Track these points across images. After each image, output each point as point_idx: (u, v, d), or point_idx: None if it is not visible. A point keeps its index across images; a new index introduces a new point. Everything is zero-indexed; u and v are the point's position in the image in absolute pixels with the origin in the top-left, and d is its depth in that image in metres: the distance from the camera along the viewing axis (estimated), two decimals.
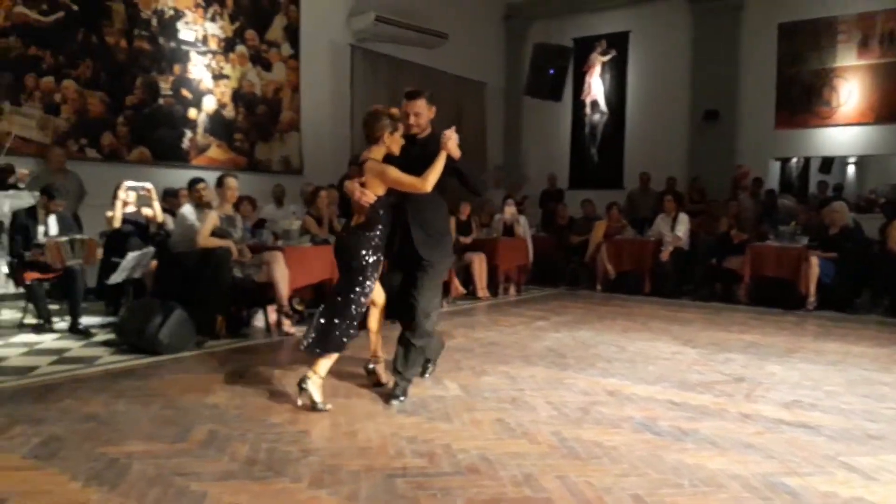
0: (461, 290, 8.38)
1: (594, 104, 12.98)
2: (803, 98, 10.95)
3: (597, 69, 12.88)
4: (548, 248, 10.11)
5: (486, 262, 8.65)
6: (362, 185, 3.84)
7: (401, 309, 4.10)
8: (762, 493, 2.79)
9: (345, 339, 3.82)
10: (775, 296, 8.00)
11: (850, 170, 14.18)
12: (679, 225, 9.06)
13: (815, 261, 7.69)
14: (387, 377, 4.28)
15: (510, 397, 4.12)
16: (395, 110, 3.97)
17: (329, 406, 3.80)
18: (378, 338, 4.38)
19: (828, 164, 13.01)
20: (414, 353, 4.03)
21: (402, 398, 3.99)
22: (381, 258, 3.95)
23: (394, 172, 3.83)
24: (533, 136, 13.72)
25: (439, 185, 3.90)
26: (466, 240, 8.79)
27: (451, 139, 3.88)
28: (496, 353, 5.40)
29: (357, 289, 3.84)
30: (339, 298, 3.86)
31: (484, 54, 13.13)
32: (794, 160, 12.53)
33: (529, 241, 9.49)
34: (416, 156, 3.95)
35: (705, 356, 5.38)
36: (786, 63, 11.06)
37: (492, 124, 13.48)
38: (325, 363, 3.84)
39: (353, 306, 3.83)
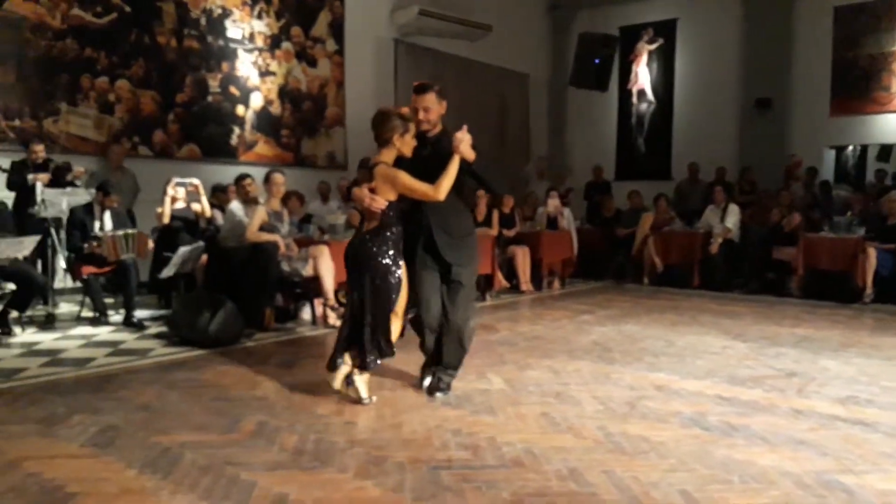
0: (504, 283, 8.36)
1: (641, 93, 12.77)
2: (860, 83, 10.58)
3: (644, 58, 12.66)
4: (593, 241, 10.00)
5: (529, 255, 8.61)
6: (372, 190, 3.67)
7: (427, 318, 3.93)
8: (816, 491, 2.71)
9: (391, 341, 3.80)
10: (830, 289, 7.77)
11: None
12: (729, 216, 8.86)
13: (872, 252, 7.45)
14: (367, 390, 3.92)
15: (555, 391, 4.10)
16: (405, 110, 3.78)
17: (374, 398, 3.84)
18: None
19: (886, 151, 12.51)
20: (454, 346, 3.99)
21: (446, 392, 3.98)
22: (401, 260, 3.79)
23: (405, 179, 3.63)
24: (578, 128, 13.57)
25: (456, 185, 3.72)
26: (510, 233, 8.76)
27: (464, 141, 3.63)
28: (540, 347, 5.37)
29: (384, 295, 3.71)
30: (371, 315, 3.71)
31: (528, 45, 13.03)
32: (850, 148, 12.11)
33: (574, 233, 9.40)
34: (427, 156, 3.77)
35: (756, 350, 5.26)
36: (841, 48, 10.70)
37: (536, 116, 13.38)
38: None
39: (387, 307, 3.73)
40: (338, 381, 3.86)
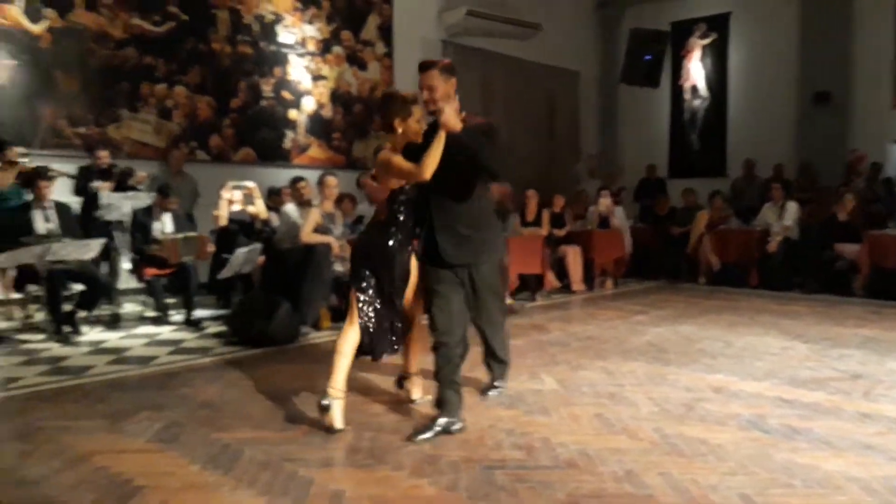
0: (555, 283, 8.31)
1: (694, 89, 12.52)
2: None
3: (696, 53, 12.40)
4: (647, 240, 9.85)
5: (581, 254, 8.54)
6: (374, 178, 3.53)
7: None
8: (885, 498, 2.62)
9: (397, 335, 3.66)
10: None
11: None
12: (787, 213, 8.62)
13: None
14: (420, 392, 3.90)
15: (609, 392, 4.06)
16: (409, 93, 3.49)
17: (427, 397, 3.83)
18: (414, 350, 3.88)
19: None
20: (499, 338, 3.91)
21: (501, 387, 3.98)
22: (410, 249, 3.56)
23: (395, 161, 3.32)
24: (629, 125, 13.38)
25: (460, 171, 3.31)
26: (560, 232, 8.71)
27: (444, 112, 3.17)
28: (593, 347, 5.32)
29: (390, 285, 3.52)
30: (380, 301, 3.53)
31: (577, 43, 12.91)
32: None
33: (627, 232, 9.28)
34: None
35: (818, 352, 5.11)
36: None
37: (586, 114, 13.25)
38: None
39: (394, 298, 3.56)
40: (414, 391, 3.89)
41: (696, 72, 12.44)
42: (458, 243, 3.37)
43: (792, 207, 8.67)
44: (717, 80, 12.22)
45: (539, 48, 11.73)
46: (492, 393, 3.98)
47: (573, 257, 8.48)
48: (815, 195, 9.80)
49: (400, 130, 3.40)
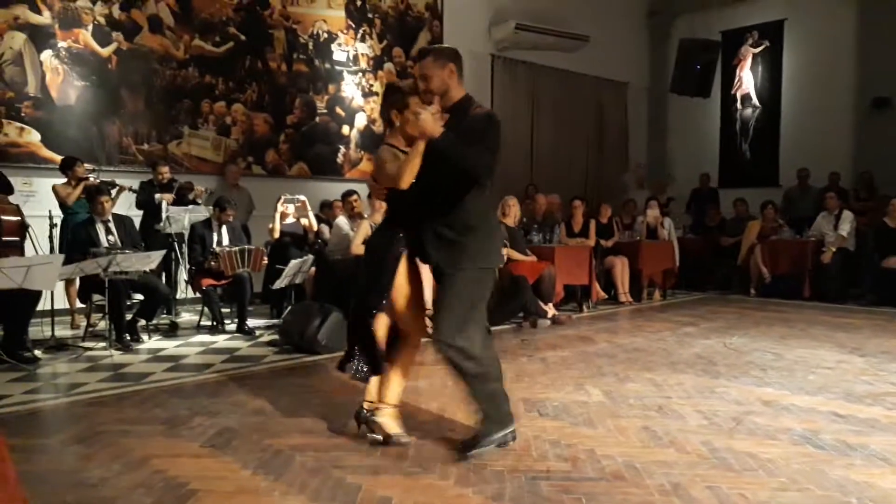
0: (602, 294, 8.26)
1: (745, 98, 12.29)
2: None
3: (748, 62, 12.19)
4: (697, 251, 9.71)
5: (628, 265, 8.47)
6: (374, 178, 3.34)
7: None
8: None
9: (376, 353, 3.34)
10: None
11: None
12: (843, 224, 8.40)
13: None
14: (394, 427, 3.38)
15: (656, 405, 4.03)
16: (406, 83, 3.34)
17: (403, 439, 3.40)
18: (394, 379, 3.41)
19: None
20: (470, 382, 3.20)
21: (476, 450, 3.19)
22: (403, 247, 3.28)
23: (382, 162, 3.17)
24: (679, 135, 13.21)
25: (446, 176, 3.03)
26: (607, 243, 8.66)
27: (420, 118, 2.93)
28: (641, 359, 5.28)
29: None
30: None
31: (626, 53, 12.84)
32: None
33: (675, 243, 9.16)
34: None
35: (875, 365, 4.96)
36: None
37: (635, 125, 13.15)
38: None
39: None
40: (388, 426, 3.37)
41: (747, 80, 12.23)
42: (439, 246, 3.13)
43: (847, 217, 8.44)
44: (770, 88, 11.98)
45: (588, 59, 11.71)
46: (469, 454, 3.20)
47: (621, 268, 8.42)
48: (874, 205, 9.51)
49: (398, 123, 3.22)
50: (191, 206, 7.04)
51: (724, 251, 9.64)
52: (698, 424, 3.66)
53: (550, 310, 6.92)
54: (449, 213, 3.11)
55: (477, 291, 3.20)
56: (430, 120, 2.93)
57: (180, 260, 6.96)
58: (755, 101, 12.16)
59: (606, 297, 8.33)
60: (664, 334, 6.34)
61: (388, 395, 3.39)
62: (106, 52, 7.54)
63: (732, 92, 12.42)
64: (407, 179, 3.01)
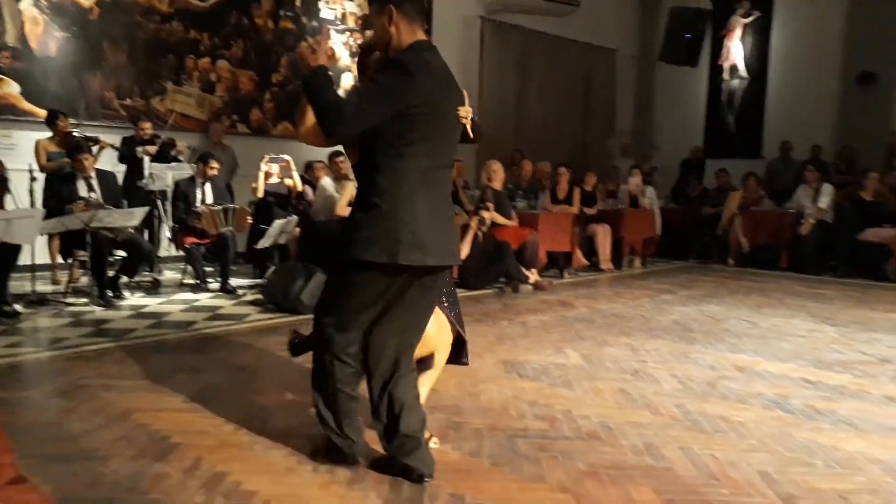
0: (584, 261, 8.35)
1: (733, 69, 12.27)
2: None
3: (737, 32, 12.14)
4: (678, 220, 9.79)
5: (610, 233, 8.54)
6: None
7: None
8: None
9: None
10: None
11: None
12: (822, 196, 8.51)
13: None
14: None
15: (632, 369, 4.12)
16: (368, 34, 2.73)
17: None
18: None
19: None
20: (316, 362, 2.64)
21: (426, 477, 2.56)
22: None
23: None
24: (665, 104, 13.20)
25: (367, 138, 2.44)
26: (591, 210, 8.71)
27: (313, 48, 2.56)
28: (619, 324, 5.37)
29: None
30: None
31: (616, 20, 12.74)
32: None
33: (657, 212, 9.24)
34: None
35: (846, 335, 5.10)
36: None
37: (622, 92, 13.11)
38: None
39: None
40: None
41: (736, 51, 12.19)
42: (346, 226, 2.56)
43: (827, 190, 8.55)
44: (758, 59, 11.96)
45: (577, 25, 11.61)
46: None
47: (603, 236, 8.49)
48: (853, 179, 9.62)
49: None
50: (174, 164, 6.96)
51: (704, 221, 9.73)
52: (673, 388, 3.75)
53: (532, 275, 6.98)
54: (360, 183, 2.54)
55: (336, 289, 2.58)
56: (311, 54, 2.47)
57: (163, 217, 6.91)
58: (743, 72, 12.16)
59: (588, 264, 8.41)
60: (642, 301, 6.44)
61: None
62: (87, 2, 7.35)
63: (720, 62, 12.39)
64: (301, 128, 2.60)
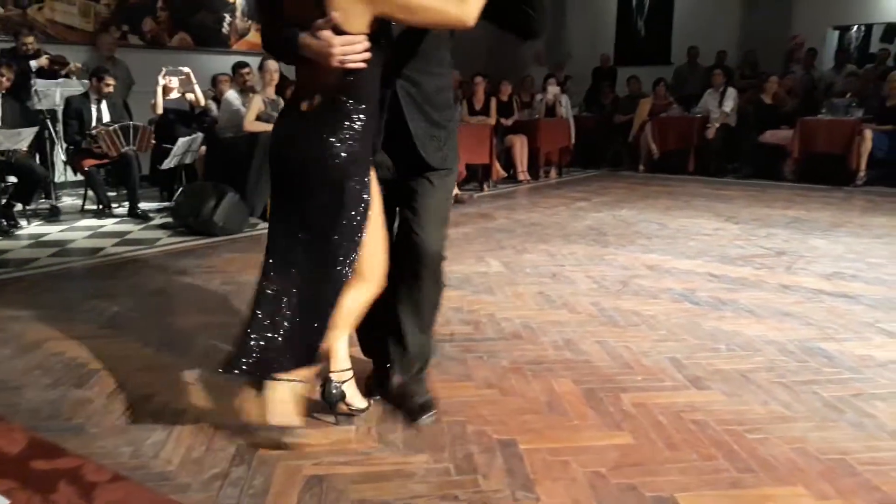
0: (502, 173, 8.39)
1: None
2: None
3: None
4: (591, 129, 9.94)
5: (527, 144, 8.59)
6: (330, 22, 1.84)
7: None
8: (798, 357, 2.89)
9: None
10: (825, 172, 7.84)
11: None
12: (726, 100, 8.80)
13: (868, 134, 7.46)
14: (361, 400, 2.37)
15: (551, 273, 4.25)
16: None
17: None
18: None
19: (891, 32, 12.21)
20: (430, 288, 2.33)
21: (431, 411, 2.35)
22: (370, 158, 2.10)
23: None
24: (577, 11, 13.11)
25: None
26: (508, 122, 8.69)
27: None
28: (537, 232, 5.49)
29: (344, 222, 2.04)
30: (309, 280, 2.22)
31: None
32: (855, 29, 11.79)
33: (571, 121, 9.34)
34: None
35: (747, 231, 5.40)
36: None
37: None
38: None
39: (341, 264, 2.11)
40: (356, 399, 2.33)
41: None
42: (431, 134, 2.26)
43: (731, 94, 8.84)
44: None
45: None
46: (427, 418, 2.33)
47: (520, 147, 8.53)
48: (756, 83, 9.97)
49: None
50: (61, 80, 6.44)
51: (616, 129, 9.92)
52: (588, 288, 3.91)
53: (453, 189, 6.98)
54: (439, 95, 2.21)
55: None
56: None
57: (55, 139, 6.44)
58: None
59: (506, 175, 8.47)
60: (559, 209, 6.59)
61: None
62: None
63: None
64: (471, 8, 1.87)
